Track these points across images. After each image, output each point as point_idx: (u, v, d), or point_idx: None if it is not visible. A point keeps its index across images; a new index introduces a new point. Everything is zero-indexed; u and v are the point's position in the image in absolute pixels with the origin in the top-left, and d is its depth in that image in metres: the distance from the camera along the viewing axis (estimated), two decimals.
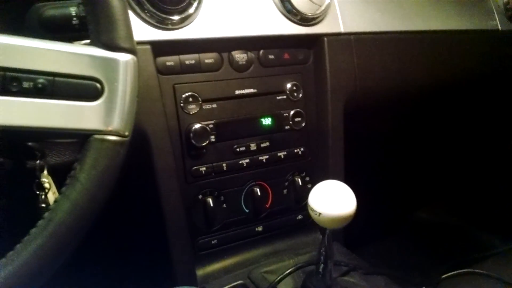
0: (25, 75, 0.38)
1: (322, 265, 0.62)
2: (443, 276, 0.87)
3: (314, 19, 0.76)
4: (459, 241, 1.33)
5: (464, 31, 1.00)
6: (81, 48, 0.40)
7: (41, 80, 0.39)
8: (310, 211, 0.56)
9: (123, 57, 0.41)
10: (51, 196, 0.57)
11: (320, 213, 0.55)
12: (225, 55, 0.72)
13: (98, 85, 0.40)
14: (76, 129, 0.40)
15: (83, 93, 0.40)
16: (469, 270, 0.86)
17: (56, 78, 0.39)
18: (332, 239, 0.61)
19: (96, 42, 0.41)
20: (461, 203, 1.45)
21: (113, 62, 0.41)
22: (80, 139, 0.41)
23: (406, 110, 1.24)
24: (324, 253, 0.61)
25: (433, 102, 1.24)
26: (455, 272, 0.87)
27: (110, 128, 0.41)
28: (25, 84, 0.38)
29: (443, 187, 1.49)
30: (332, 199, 0.55)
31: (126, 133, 0.42)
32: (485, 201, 1.38)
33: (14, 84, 0.38)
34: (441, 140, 1.44)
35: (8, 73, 0.38)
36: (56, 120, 0.39)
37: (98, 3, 0.40)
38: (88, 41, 0.48)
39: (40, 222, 0.38)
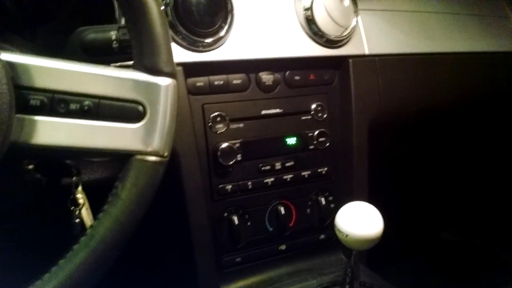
0: (72, 97, 0.40)
1: (347, 286, 0.62)
2: None
3: (339, 41, 0.77)
4: (485, 263, 1.30)
5: (488, 52, 1.00)
6: (125, 73, 0.42)
7: (87, 102, 0.40)
8: (337, 232, 0.57)
9: (165, 81, 0.43)
10: (85, 212, 0.59)
11: (347, 235, 0.55)
12: (252, 76, 0.74)
13: (140, 107, 0.42)
14: (119, 150, 0.42)
15: (126, 115, 0.42)
16: None
17: (101, 101, 0.41)
18: (362, 260, 0.61)
19: (139, 65, 0.43)
20: (487, 224, 1.43)
21: (155, 86, 0.42)
22: (121, 159, 0.42)
23: (430, 130, 1.24)
24: (350, 274, 0.61)
25: (457, 123, 1.23)
26: None
27: (150, 149, 0.42)
28: (72, 106, 0.40)
29: (468, 207, 1.47)
30: (360, 221, 0.55)
31: (166, 154, 0.43)
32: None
33: (62, 105, 0.40)
34: (466, 160, 1.43)
35: (56, 95, 0.40)
36: (100, 141, 0.41)
37: (143, 29, 0.42)
38: (126, 63, 0.50)
39: (83, 238, 0.40)
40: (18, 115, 0.38)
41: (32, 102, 0.39)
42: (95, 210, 0.56)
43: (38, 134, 0.39)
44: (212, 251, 0.71)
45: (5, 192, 0.57)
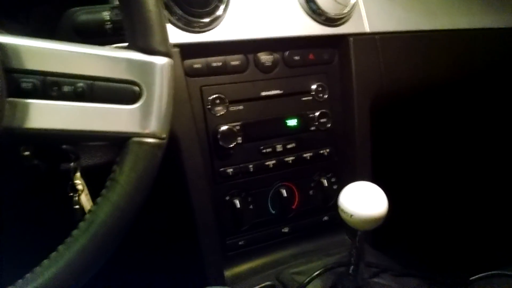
0: (65, 79, 0.39)
1: (353, 266, 0.62)
2: (472, 278, 0.86)
3: (339, 19, 0.75)
4: (489, 242, 1.30)
5: (490, 29, 0.98)
6: (119, 52, 0.41)
7: (80, 84, 0.39)
8: (341, 213, 0.56)
9: (160, 61, 0.42)
10: (84, 197, 0.58)
11: (352, 215, 0.54)
12: (250, 56, 0.72)
13: (136, 88, 0.41)
14: (115, 132, 0.41)
15: (121, 97, 0.40)
16: (499, 272, 0.84)
17: (95, 82, 0.40)
18: (367, 240, 0.60)
19: (133, 46, 0.41)
20: (492, 200, 1.42)
21: (151, 66, 0.41)
22: (118, 142, 0.41)
23: (431, 108, 1.22)
24: (355, 254, 0.61)
25: (458, 100, 1.22)
26: (484, 274, 0.85)
27: (148, 131, 0.41)
28: (65, 88, 0.39)
29: (471, 186, 1.46)
30: (364, 200, 0.54)
31: (163, 136, 0.42)
32: None
33: (54, 88, 0.39)
34: (468, 137, 1.42)
35: (48, 78, 0.39)
36: (95, 124, 0.40)
37: (135, 8, 0.41)
38: (121, 44, 0.49)
39: (82, 224, 0.39)
40: (10, 99, 0.37)
41: (24, 85, 0.38)
42: (96, 196, 0.56)
43: (31, 118, 0.38)
44: (216, 234, 0.71)
45: (4, 179, 0.57)
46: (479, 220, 1.41)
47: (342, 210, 0.55)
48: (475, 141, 1.41)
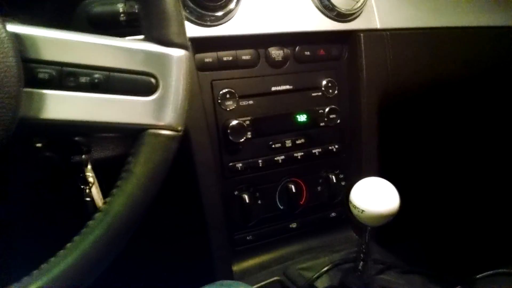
0: (81, 70, 0.39)
1: (361, 262, 0.62)
2: (478, 276, 0.86)
3: (350, 15, 0.75)
4: (494, 239, 1.30)
5: (498, 27, 0.98)
6: (136, 44, 0.41)
7: (97, 75, 0.39)
8: (352, 208, 0.56)
9: (177, 52, 0.41)
10: (94, 190, 0.58)
11: (363, 210, 0.54)
12: (261, 51, 0.72)
13: (152, 80, 0.41)
14: (131, 124, 0.40)
15: (138, 88, 0.40)
16: (504, 270, 0.84)
17: (112, 73, 0.39)
18: (374, 237, 0.60)
19: (150, 37, 0.41)
20: (499, 198, 1.42)
21: (168, 57, 0.41)
22: (134, 133, 0.41)
23: (438, 105, 1.22)
24: (364, 250, 0.61)
25: (465, 97, 1.22)
26: (489, 272, 0.85)
27: (164, 123, 0.41)
28: (82, 79, 0.39)
29: (478, 183, 1.46)
30: (376, 196, 0.54)
31: (179, 128, 0.42)
32: None
33: (71, 79, 0.39)
34: (474, 134, 1.41)
35: (65, 68, 0.38)
36: (111, 115, 0.40)
37: (152, 0, 0.40)
38: (136, 36, 0.49)
39: (98, 215, 0.39)
40: (26, 89, 0.37)
41: (41, 75, 0.38)
42: (105, 189, 0.55)
43: (47, 108, 0.38)
44: (225, 228, 0.71)
45: (17, 171, 0.57)
46: (484, 218, 1.40)
47: (354, 205, 0.55)
48: (482, 139, 1.41)
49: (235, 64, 0.69)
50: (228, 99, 0.69)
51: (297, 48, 0.74)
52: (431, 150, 1.41)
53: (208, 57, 0.67)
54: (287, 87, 0.74)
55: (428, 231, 1.43)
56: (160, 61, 0.41)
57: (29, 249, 0.60)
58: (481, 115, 1.36)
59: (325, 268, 0.68)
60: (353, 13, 0.75)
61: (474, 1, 0.96)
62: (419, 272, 0.72)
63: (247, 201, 0.72)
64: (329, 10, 0.73)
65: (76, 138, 0.54)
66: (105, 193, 0.58)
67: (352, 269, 0.65)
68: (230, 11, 0.64)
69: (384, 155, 0.85)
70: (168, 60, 0.41)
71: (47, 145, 0.53)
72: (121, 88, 0.40)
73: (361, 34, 0.77)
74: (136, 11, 0.49)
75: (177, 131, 0.42)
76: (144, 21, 0.42)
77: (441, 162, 1.45)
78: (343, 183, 0.81)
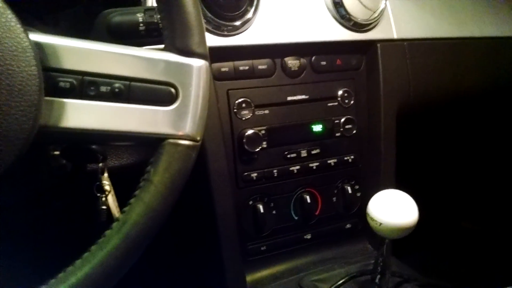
0: (102, 79, 0.39)
1: (378, 275, 0.61)
2: None
3: (367, 25, 0.75)
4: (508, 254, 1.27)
5: None
6: (157, 54, 0.41)
7: (117, 85, 0.39)
8: (370, 221, 0.55)
9: (197, 63, 0.41)
10: (111, 198, 0.59)
11: (381, 223, 0.53)
12: (278, 61, 0.72)
13: (172, 90, 0.41)
14: (151, 133, 0.40)
15: (158, 98, 0.40)
16: None
17: (132, 83, 0.40)
18: (391, 249, 0.59)
19: (171, 47, 0.41)
20: (508, 212, 1.39)
21: (188, 68, 0.41)
22: (153, 143, 0.41)
23: (458, 116, 1.20)
24: (381, 263, 0.60)
25: (486, 109, 1.20)
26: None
27: (183, 133, 0.41)
28: (102, 88, 0.39)
29: (494, 196, 1.43)
30: (394, 209, 0.53)
31: (198, 138, 0.42)
32: None
33: (92, 88, 0.39)
34: (494, 148, 1.39)
35: (86, 77, 0.39)
36: (132, 124, 0.40)
37: (174, 9, 0.41)
38: (156, 46, 0.49)
39: (115, 224, 0.39)
40: (47, 98, 0.37)
41: (62, 84, 0.38)
42: (120, 197, 0.55)
43: (67, 117, 0.38)
44: (237, 238, 0.70)
45: (31, 179, 0.57)
46: (502, 231, 1.38)
47: (371, 218, 0.55)
48: (503, 153, 1.39)
49: (251, 74, 0.69)
50: (244, 109, 0.69)
51: (313, 58, 0.74)
52: (450, 161, 1.39)
53: (225, 66, 0.67)
54: (303, 97, 0.74)
55: (444, 242, 1.40)
56: (181, 71, 0.41)
57: (43, 256, 0.60)
58: (504, 129, 1.34)
59: (341, 281, 0.67)
60: (370, 23, 0.75)
61: (497, 11, 0.95)
62: (438, 285, 0.70)
63: (262, 211, 0.71)
64: (346, 20, 0.73)
65: (93, 146, 0.54)
66: (118, 201, 0.58)
67: (369, 282, 0.64)
68: (248, 20, 0.64)
69: (402, 167, 0.84)
70: (189, 70, 0.41)
71: (63, 153, 0.53)
72: (141, 98, 0.40)
73: (378, 44, 0.77)
74: (155, 21, 0.49)
75: (196, 141, 0.42)
76: (166, 30, 0.42)
77: (458, 175, 1.43)
78: (358, 194, 0.80)
